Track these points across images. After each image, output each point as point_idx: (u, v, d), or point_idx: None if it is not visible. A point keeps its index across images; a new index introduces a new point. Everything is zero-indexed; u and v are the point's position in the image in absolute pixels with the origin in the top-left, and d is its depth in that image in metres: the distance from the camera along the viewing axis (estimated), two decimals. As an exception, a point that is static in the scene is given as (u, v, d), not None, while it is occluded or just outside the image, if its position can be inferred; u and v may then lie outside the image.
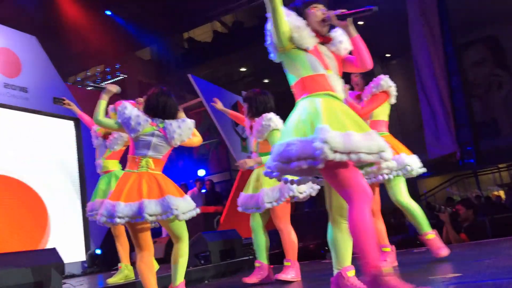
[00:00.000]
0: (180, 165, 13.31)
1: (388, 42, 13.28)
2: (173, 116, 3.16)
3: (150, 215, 2.80)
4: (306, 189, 3.42)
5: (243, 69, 15.46)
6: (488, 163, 11.60)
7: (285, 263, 3.40)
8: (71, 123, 8.17)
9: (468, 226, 6.00)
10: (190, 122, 3.19)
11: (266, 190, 3.35)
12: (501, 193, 13.24)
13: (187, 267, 4.32)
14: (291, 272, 3.34)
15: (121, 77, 15.74)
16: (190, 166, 13.24)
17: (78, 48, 12.35)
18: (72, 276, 6.12)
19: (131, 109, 3.03)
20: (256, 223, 3.52)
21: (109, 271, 7.14)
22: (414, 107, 12.67)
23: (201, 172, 12.45)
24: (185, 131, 3.13)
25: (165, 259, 7.00)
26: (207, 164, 13.73)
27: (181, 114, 3.25)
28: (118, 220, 2.75)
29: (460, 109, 8.47)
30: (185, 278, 4.17)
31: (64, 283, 3.56)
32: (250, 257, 5.36)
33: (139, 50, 15.25)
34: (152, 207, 2.82)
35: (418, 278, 2.81)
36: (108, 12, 12.55)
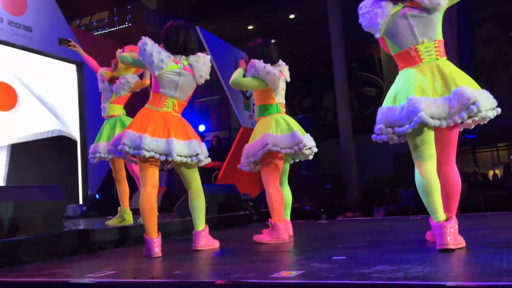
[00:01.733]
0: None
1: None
2: (194, 51, 3.02)
3: (179, 155, 2.77)
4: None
5: (250, 27, 15.18)
6: (489, 141, 11.62)
7: (270, 224, 3.22)
8: (73, 67, 8.08)
9: (461, 200, 6.09)
10: (209, 59, 3.08)
11: (269, 134, 3.18)
12: (498, 172, 13.35)
13: (184, 216, 4.40)
14: (266, 236, 3.15)
15: (126, 26, 15.46)
16: (190, 121, 13.19)
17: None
18: (69, 217, 6.20)
19: (152, 45, 2.92)
20: None
21: (106, 216, 7.26)
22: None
23: (201, 128, 12.44)
24: (209, 68, 3.06)
25: (161, 208, 7.08)
26: (208, 120, 13.70)
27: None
28: (144, 152, 2.68)
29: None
30: (183, 226, 4.25)
31: (65, 221, 3.61)
32: (247, 212, 5.44)
33: (146, -2, 14.88)
34: (179, 147, 2.78)
35: (418, 242, 2.86)
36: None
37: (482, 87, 2.31)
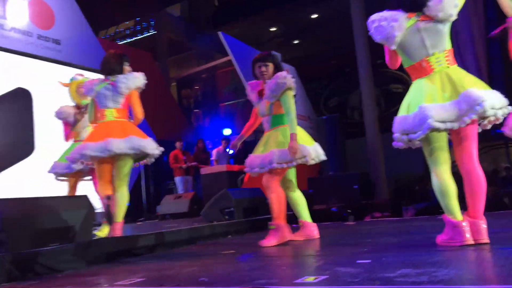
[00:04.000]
0: (206, 124, 13.42)
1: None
2: (119, 71, 3.74)
3: (118, 149, 3.41)
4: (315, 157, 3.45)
5: (273, 29, 15.20)
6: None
7: (270, 227, 3.38)
8: (102, 77, 8.27)
9: (491, 199, 5.92)
10: (137, 74, 3.79)
11: (275, 151, 3.30)
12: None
13: (211, 221, 4.45)
14: (273, 238, 3.31)
15: (151, 33, 15.74)
16: (216, 125, 13.32)
17: (110, 2, 12.31)
18: (99, 224, 6.35)
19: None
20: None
21: (135, 222, 7.41)
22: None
23: (227, 131, 12.52)
24: (134, 80, 3.73)
25: (188, 213, 7.18)
26: (234, 124, 13.77)
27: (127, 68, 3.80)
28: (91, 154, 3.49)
29: (497, 77, 8.16)
30: (210, 231, 4.30)
31: (95, 229, 3.70)
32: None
33: (170, 6, 15.10)
34: (116, 144, 3.43)
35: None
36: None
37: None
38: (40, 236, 2.88)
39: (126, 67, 3.80)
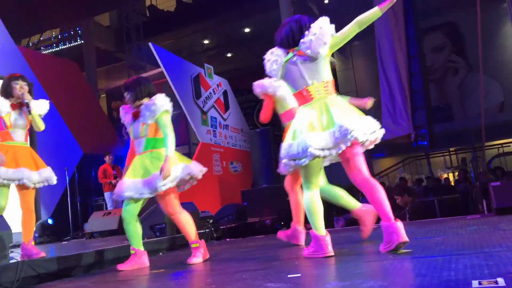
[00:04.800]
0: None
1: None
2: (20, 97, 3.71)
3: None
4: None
5: (206, 42, 15.18)
6: (441, 146, 12.03)
7: (193, 246, 3.36)
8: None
9: (410, 209, 6.24)
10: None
11: (156, 174, 3.21)
12: (450, 176, 13.83)
13: (143, 238, 4.28)
14: (199, 254, 3.32)
15: (78, 43, 15.10)
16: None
17: (33, 9, 11.69)
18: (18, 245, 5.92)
19: None
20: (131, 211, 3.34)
21: (60, 241, 6.98)
22: (373, 87, 12.88)
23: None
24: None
25: (118, 230, 6.89)
26: (166, 137, 13.49)
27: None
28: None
29: (417, 92, 8.67)
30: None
31: (12, 251, 3.42)
32: (207, 230, 5.37)
33: (98, 15, 14.62)
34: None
35: (372, 253, 2.88)
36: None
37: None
38: None
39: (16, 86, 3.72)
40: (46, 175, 3.70)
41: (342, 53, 15.53)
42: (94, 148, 9.99)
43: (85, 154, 9.27)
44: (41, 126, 3.77)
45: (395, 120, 8.83)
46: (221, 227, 5.85)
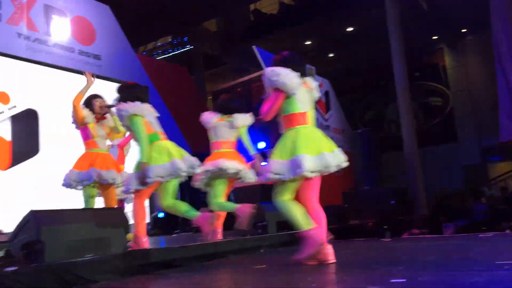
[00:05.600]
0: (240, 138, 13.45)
1: (464, 16, 12.47)
2: None
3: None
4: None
5: (308, 43, 15.18)
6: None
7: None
8: (140, 91, 8.49)
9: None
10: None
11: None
12: None
13: (245, 235, 4.44)
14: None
15: (187, 48, 16.04)
16: (252, 139, 13.33)
17: (148, 19, 12.65)
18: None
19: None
20: None
21: (170, 234, 7.47)
22: (488, 86, 11.89)
23: (261, 145, 12.51)
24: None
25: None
26: (268, 137, 13.76)
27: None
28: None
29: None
30: (241, 246, 4.28)
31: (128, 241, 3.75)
32: (307, 230, 5.37)
33: (206, 21, 15.36)
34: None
35: (483, 261, 2.69)
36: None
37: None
38: (75, 246, 2.94)
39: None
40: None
41: (454, 48, 14.56)
42: (202, 147, 10.54)
43: (194, 153, 9.80)
44: (121, 128, 4.44)
45: (513, 120, 8.07)
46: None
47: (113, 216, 3.41)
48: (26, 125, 6.59)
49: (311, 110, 3.12)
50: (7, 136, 6.34)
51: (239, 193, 7.50)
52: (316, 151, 2.91)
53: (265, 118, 3.10)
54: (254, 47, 8.99)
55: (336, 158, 2.96)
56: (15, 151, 6.33)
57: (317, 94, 3.25)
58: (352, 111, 15.26)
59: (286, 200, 2.99)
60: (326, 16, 13.07)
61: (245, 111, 4.88)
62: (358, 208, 6.79)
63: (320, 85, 11.15)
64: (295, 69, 3.06)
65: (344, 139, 11.19)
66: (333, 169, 2.94)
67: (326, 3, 12.66)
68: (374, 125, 14.74)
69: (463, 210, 8.11)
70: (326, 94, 11.02)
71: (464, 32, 14.07)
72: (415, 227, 6.39)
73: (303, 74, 3.12)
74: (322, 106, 10.74)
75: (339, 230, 6.06)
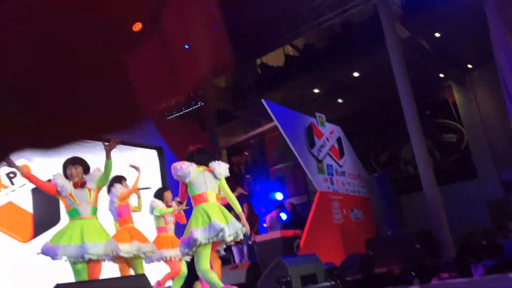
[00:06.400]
0: (257, 189, 13.46)
1: (468, 52, 12.63)
2: None
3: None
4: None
5: (316, 90, 15.43)
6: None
7: None
8: (154, 152, 8.62)
9: None
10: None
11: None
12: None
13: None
14: None
15: (199, 105, 16.39)
16: (266, 189, 13.34)
17: (160, 80, 13.05)
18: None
19: None
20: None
21: None
22: (501, 119, 11.85)
23: (279, 196, 12.47)
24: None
25: (245, 284, 7.05)
26: (284, 187, 13.75)
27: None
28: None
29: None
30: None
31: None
32: (332, 282, 5.25)
33: (216, 78, 15.77)
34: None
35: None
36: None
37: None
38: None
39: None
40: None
41: (462, 83, 14.64)
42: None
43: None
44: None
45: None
46: (346, 278, 5.67)
47: (139, 284, 3.39)
48: (47, 195, 6.68)
49: (212, 190, 4.18)
50: (29, 208, 6.42)
51: (260, 248, 7.41)
52: (207, 222, 3.88)
53: (181, 199, 4.45)
54: (263, 100, 9.17)
55: (232, 227, 3.92)
56: (36, 223, 6.39)
57: (222, 172, 4.28)
58: (367, 154, 15.21)
59: (207, 267, 3.89)
60: (331, 64, 13.36)
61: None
62: (383, 255, 6.62)
63: (331, 132, 11.23)
64: (198, 160, 4.28)
65: (361, 183, 11.09)
66: (228, 238, 3.91)
67: (329, 51, 12.98)
68: (390, 167, 14.63)
69: (491, 248, 7.83)
70: (338, 140, 11.06)
71: (471, 67, 14.20)
72: (443, 270, 6.17)
73: (207, 162, 4.31)
74: (336, 152, 10.75)
75: (365, 279, 5.89)
